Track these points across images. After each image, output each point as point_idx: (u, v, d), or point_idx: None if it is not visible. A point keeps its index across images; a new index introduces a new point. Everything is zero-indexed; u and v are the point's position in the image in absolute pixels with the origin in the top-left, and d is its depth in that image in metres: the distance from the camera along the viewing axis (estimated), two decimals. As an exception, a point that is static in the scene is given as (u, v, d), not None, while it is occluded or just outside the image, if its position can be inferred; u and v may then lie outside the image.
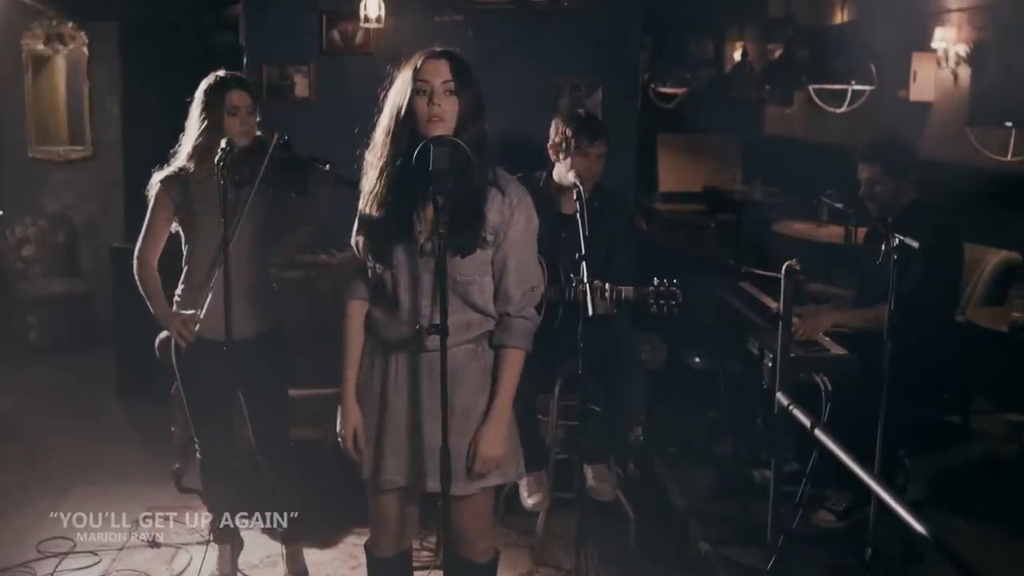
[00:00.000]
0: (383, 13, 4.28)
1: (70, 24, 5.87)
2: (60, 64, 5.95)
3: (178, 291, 2.90)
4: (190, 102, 2.81)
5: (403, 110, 2.06)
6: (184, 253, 2.91)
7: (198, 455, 3.03)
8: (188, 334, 2.80)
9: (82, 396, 4.94)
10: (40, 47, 5.90)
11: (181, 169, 2.81)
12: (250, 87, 2.87)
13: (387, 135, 2.10)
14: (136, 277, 2.89)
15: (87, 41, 5.87)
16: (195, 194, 2.81)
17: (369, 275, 2.20)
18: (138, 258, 2.89)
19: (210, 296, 2.79)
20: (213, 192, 2.64)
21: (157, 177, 2.85)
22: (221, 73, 2.83)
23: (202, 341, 2.80)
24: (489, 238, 2.11)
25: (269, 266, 3.00)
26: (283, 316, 3.02)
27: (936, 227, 3.11)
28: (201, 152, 2.76)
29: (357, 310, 2.23)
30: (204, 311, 2.79)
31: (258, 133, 2.82)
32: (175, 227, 2.88)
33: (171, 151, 2.85)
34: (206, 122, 2.75)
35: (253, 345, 2.88)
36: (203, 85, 2.81)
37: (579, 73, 4.45)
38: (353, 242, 2.21)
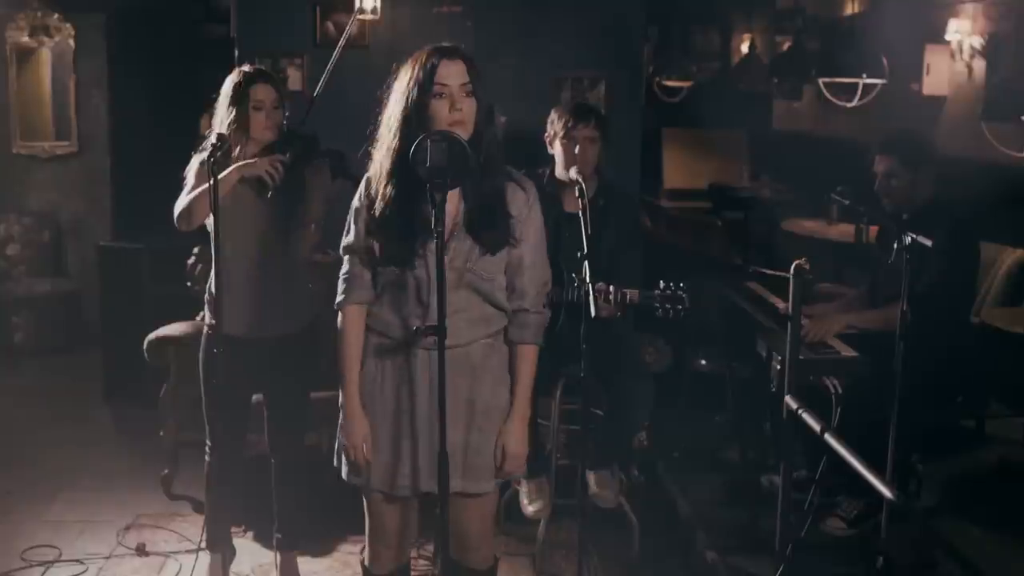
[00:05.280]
0: (379, 4, 4.20)
1: (55, 15, 5.80)
2: (45, 56, 5.87)
3: (209, 285, 2.85)
4: (216, 97, 2.80)
5: (419, 112, 2.02)
6: (212, 251, 2.83)
7: (207, 458, 2.97)
8: (276, 172, 2.70)
9: (68, 400, 4.89)
10: (24, 39, 5.82)
11: None
12: (276, 81, 2.86)
13: (396, 136, 2.06)
14: (177, 211, 2.79)
15: (73, 33, 5.80)
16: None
17: (375, 277, 2.15)
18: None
19: (237, 291, 2.77)
20: (238, 189, 2.71)
21: (198, 159, 2.84)
22: (247, 68, 2.84)
23: (227, 339, 2.73)
24: (516, 235, 2.11)
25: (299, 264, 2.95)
26: (316, 316, 2.97)
27: (954, 226, 3.06)
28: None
29: (356, 315, 2.17)
30: (231, 306, 2.75)
31: (287, 128, 2.85)
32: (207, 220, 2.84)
33: (200, 146, 2.84)
34: (232, 117, 2.75)
35: (283, 345, 2.87)
36: (229, 80, 2.80)
37: (581, 66, 4.38)
38: (355, 244, 2.15)
